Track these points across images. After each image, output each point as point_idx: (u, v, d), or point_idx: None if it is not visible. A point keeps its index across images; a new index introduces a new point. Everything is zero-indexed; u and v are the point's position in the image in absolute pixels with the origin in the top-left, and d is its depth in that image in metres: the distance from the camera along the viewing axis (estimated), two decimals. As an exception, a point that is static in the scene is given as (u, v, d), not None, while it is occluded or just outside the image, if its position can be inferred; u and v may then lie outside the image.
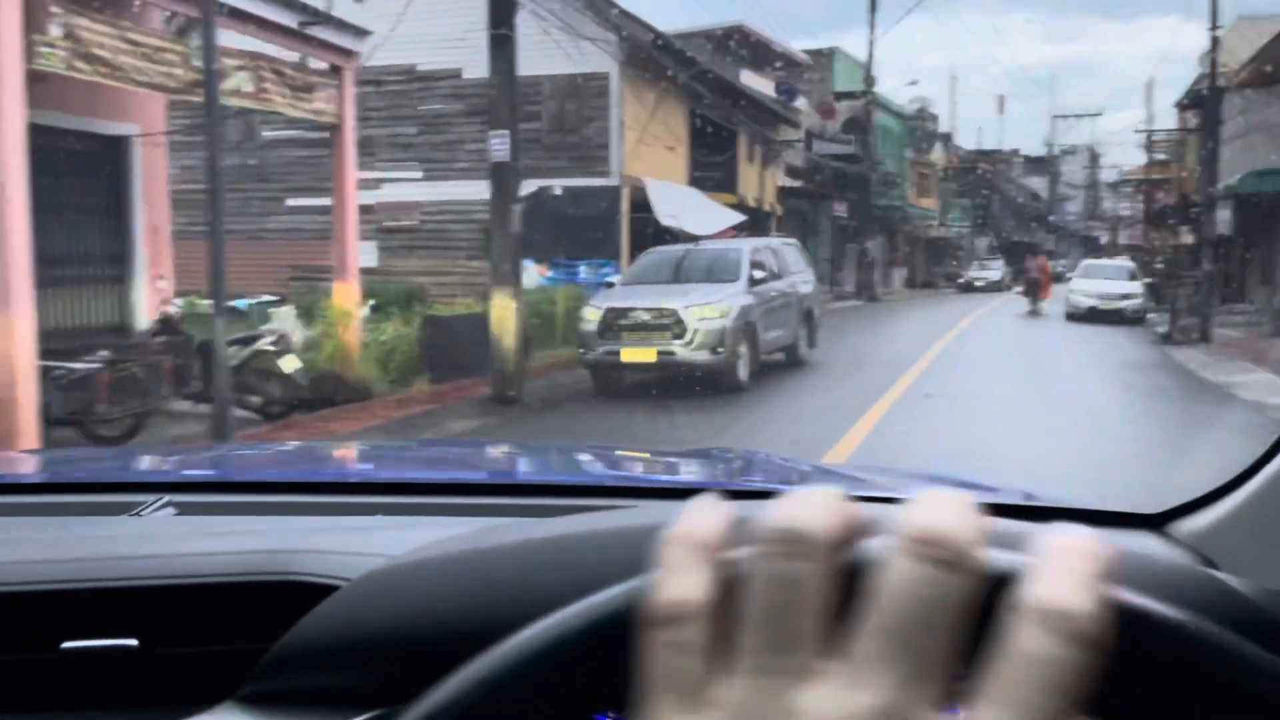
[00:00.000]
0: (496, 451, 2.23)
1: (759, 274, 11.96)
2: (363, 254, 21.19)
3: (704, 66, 20.24)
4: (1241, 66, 20.32)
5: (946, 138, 54.64)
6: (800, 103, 32.69)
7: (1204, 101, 26.40)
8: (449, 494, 1.40)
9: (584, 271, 18.45)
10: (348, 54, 10.48)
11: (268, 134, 21.22)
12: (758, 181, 24.81)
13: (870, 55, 35.35)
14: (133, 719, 0.90)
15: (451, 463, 2.02)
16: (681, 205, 19.35)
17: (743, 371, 11.13)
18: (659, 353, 10.72)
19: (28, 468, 2.05)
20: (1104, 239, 73.86)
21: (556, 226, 18.82)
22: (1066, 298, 24.58)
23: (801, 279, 13.94)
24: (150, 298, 10.13)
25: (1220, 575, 0.74)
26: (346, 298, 10.67)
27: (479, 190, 19.06)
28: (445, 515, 1.22)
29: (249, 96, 9.07)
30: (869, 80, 36.24)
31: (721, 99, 21.89)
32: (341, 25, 10.28)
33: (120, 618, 0.90)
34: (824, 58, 38.14)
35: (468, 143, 18.98)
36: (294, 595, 0.85)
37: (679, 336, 10.74)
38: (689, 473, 1.90)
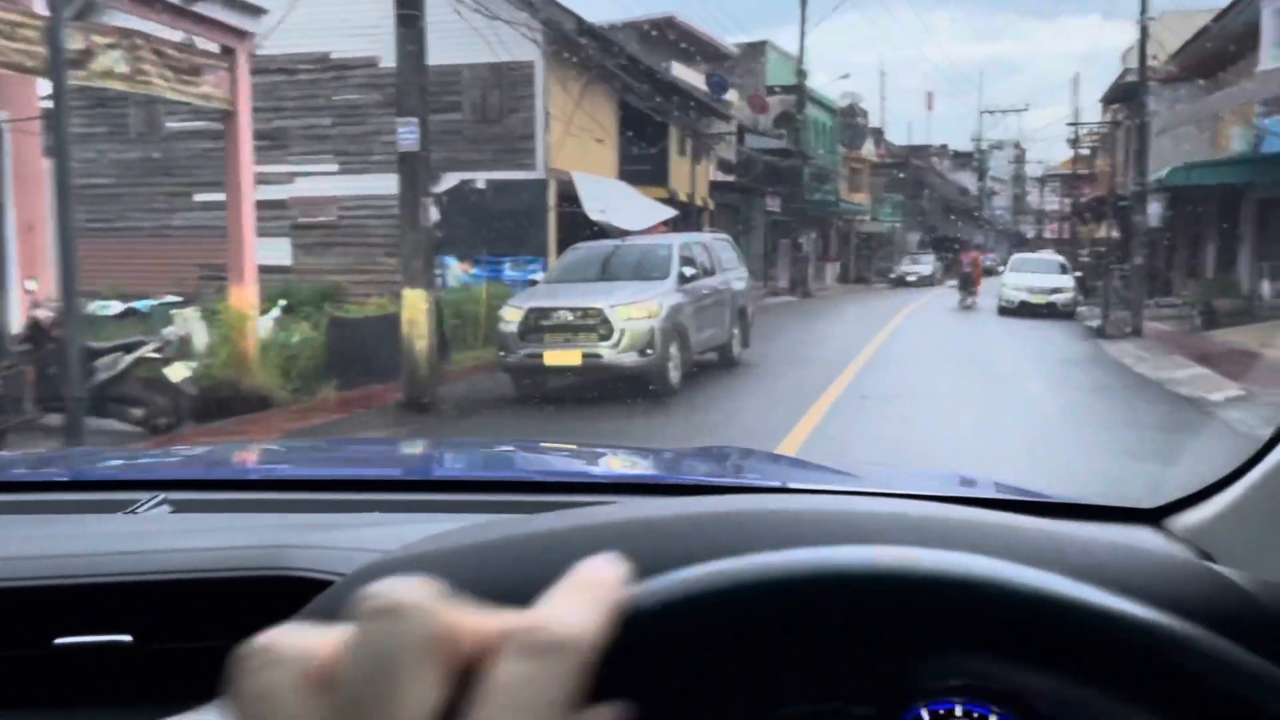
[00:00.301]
0: (493, 448, 2.20)
1: (689, 271, 11.37)
2: (276, 252, 20.20)
3: (632, 56, 19.61)
4: (1169, 58, 20.34)
5: (878, 133, 54.84)
6: (731, 96, 32.28)
7: (1130, 95, 26.58)
8: (446, 490, 1.40)
9: (509, 268, 17.73)
10: (241, 34, 9.62)
11: (173, 125, 20.06)
12: (689, 176, 24.27)
13: (801, 49, 35.07)
14: (125, 715, 0.87)
15: (448, 459, 2.01)
16: (610, 199, 18.71)
17: (673, 374, 10.53)
18: (584, 355, 10.07)
19: (23, 466, 1.97)
20: (1030, 233, 75.14)
21: (480, 221, 18.04)
22: (999, 292, 24.54)
23: (734, 275, 13.40)
24: (20, 301, 9.17)
25: (1217, 568, 0.75)
26: (243, 299, 9.82)
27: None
28: (441, 511, 1.22)
29: (123, 78, 8.19)
30: (801, 74, 35.99)
31: (651, 91, 21.30)
32: (232, 2, 9.41)
33: (114, 614, 0.90)
34: (755, 51, 37.84)
35: (385, 134, 18.05)
36: (288, 591, 0.85)
37: (605, 338, 10.10)
38: (684, 470, 1.85)
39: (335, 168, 19.47)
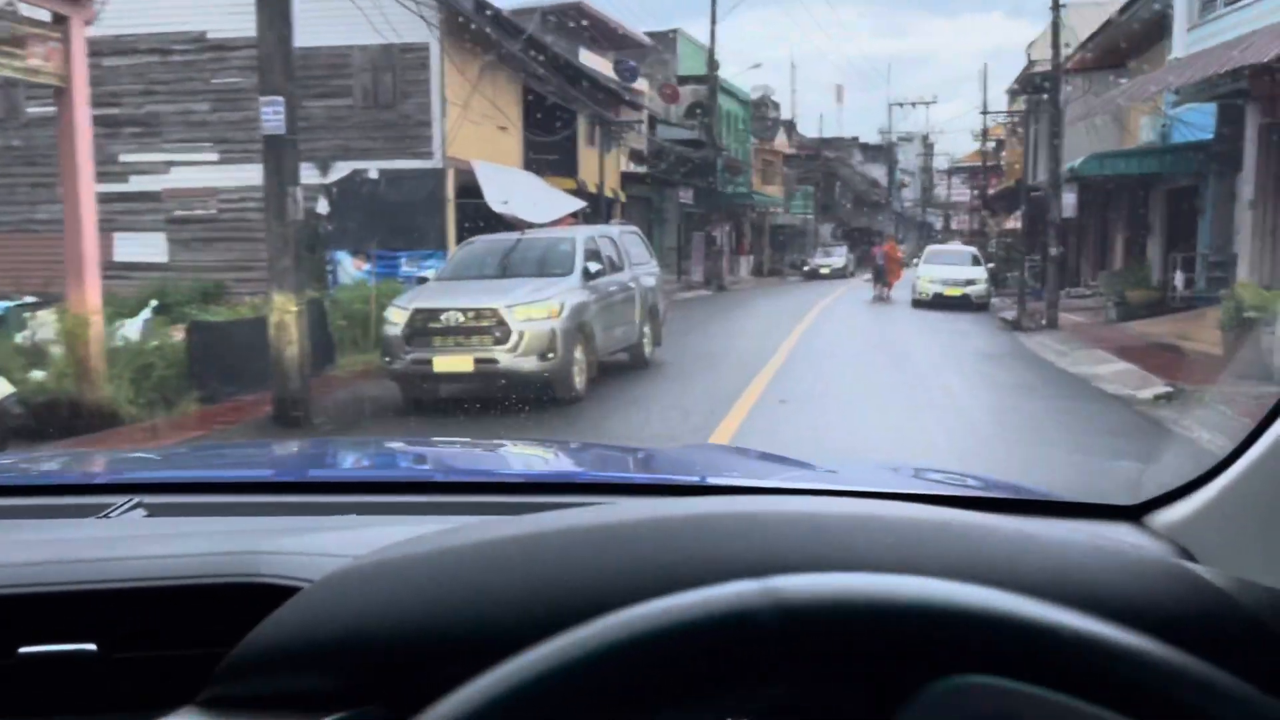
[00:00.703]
0: (470, 449, 2.15)
1: (595, 266, 10.49)
2: (149, 248, 18.70)
3: (537, 41, 18.61)
4: (1080, 48, 20.18)
5: (789, 125, 54.71)
6: (643, 85, 31.49)
7: (1038, 86, 26.58)
8: (423, 492, 1.40)
9: (405, 264, 16.59)
10: (74, 1, 8.39)
11: (34, 110, 18.36)
12: (599, 166, 23.35)
13: (712, 38, 34.46)
14: None
15: (428, 460, 1.99)
16: (515, 190, 17.72)
17: (578, 379, 9.65)
18: (477, 361, 9.11)
19: None
20: (939, 225, 76.24)
21: (374, 214, 16.87)
22: (913, 284, 24.27)
23: (644, 270, 12.57)
24: None
25: (1195, 567, 0.76)
26: (83, 301, 8.61)
27: (285, 174, 16.99)
28: (414, 514, 1.22)
29: (-80, 45, 6.94)
30: (712, 64, 35.37)
31: (558, 77, 20.33)
32: (64, -38, 8.20)
33: (79, 622, 0.89)
34: (666, 40, 37.10)
35: (270, 120, 16.78)
36: (257, 597, 0.84)
37: (501, 341, 9.15)
38: (660, 470, 1.81)
39: (215, 156, 18.04)
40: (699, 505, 0.75)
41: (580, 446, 2.28)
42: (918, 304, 23.28)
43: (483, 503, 1.30)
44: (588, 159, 23.84)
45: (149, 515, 1.23)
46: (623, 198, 26.97)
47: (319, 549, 0.94)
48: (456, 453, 2.10)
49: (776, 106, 53.99)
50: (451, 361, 9.13)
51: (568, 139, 22.82)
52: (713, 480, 1.64)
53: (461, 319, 9.23)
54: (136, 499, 1.26)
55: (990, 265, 25.02)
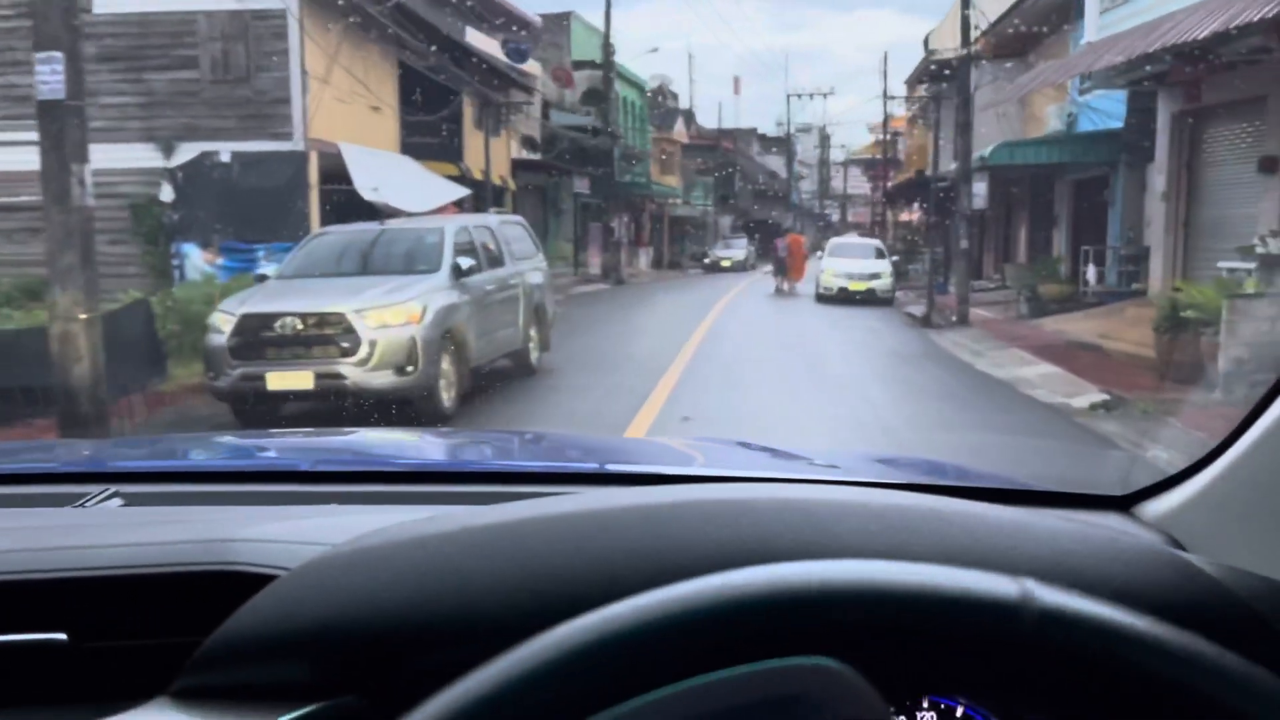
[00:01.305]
0: (452, 439, 2.17)
1: (468, 262, 9.02)
2: (-38, 239, 16.41)
3: (414, 14, 16.92)
4: (985, 31, 19.47)
5: (688, 115, 53.75)
6: (535, 69, 29.92)
7: (939, 75, 26.01)
8: (404, 482, 1.37)
9: (265, 258, 14.77)
10: None
11: None
12: (488, 152, 21.72)
13: (608, 21, 33.08)
14: (61, 716, 0.84)
15: (408, 450, 1.96)
16: (389, 176, 16.04)
17: (446, 395, 8.19)
18: (319, 376, 7.56)
19: None
20: (835, 217, 76.56)
21: (227, 201, 14.98)
22: (817, 278, 23.39)
23: (530, 265, 11.15)
24: None
25: (1185, 555, 0.76)
26: None
27: (124, 156, 14.91)
28: (395, 504, 1.20)
29: None
30: (608, 48, 34.00)
31: (441, 55, 18.66)
32: None
33: (49, 611, 0.87)
34: (560, 23, 35.55)
35: (105, 95, 14.71)
36: (232, 585, 0.83)
37: (349, 352, 7.63)
38: (639, 459, 1.78)
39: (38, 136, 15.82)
40: (686, 492, 0.76)
41: (565, 436, 2.30)
42: (822, 299, 22.39)
43: (465, 492, 1.28)
44: (475, 144, 22.18)
45: (126, 504, 1.21)
46: (512, 186, 25.36)
47: (295, 536, 0.91)
48: (439, 443, 2.08)
49: (675, 96, 52.99)
50: (288, 378, 7.56)
51: (452, 122, 21.15)
52: (698, 470, 1.61)
53: (300, 326, 7.66)
54: (113, 488, 1.24)
55: (895, 258, 24.32)
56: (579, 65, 35.70)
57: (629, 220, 40.99)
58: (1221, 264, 13.23)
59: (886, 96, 39.90)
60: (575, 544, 0.50)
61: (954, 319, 17.08)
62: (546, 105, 32.62)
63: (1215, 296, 9.11)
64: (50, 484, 1.33)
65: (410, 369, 7.74)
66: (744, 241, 46.52)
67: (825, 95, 70.17)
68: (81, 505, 1.19)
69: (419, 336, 7.81)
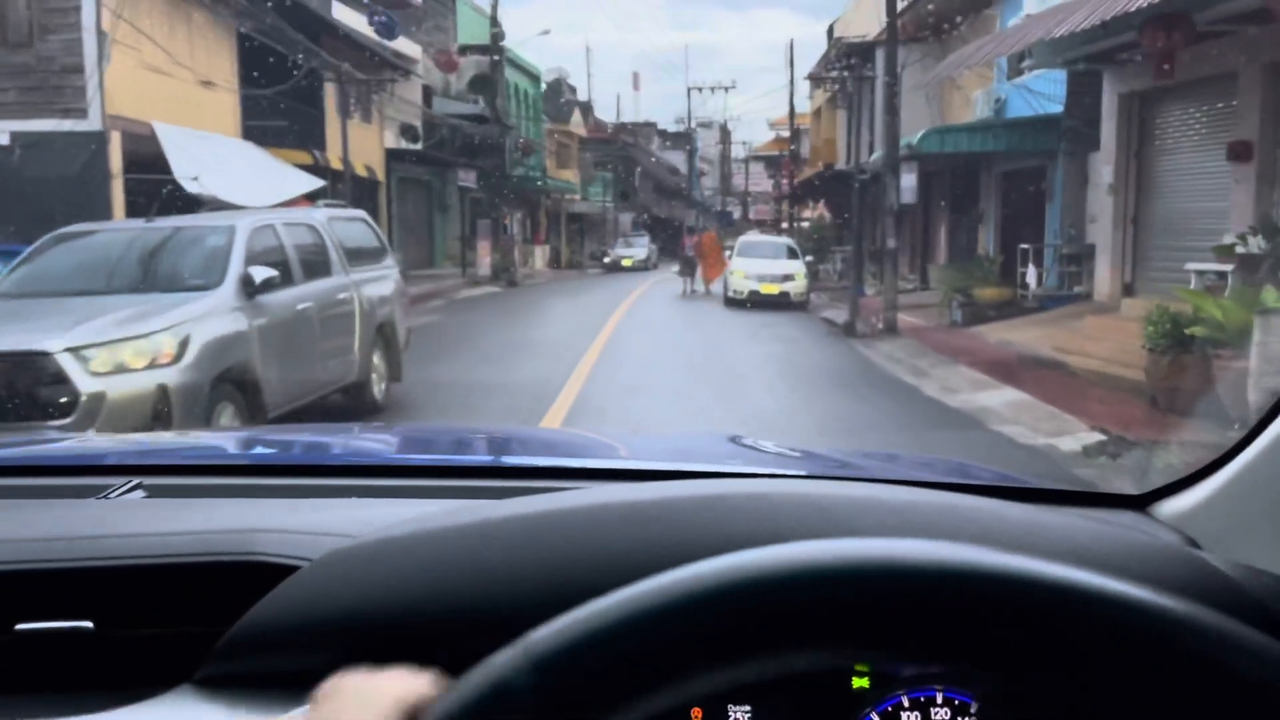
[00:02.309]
0: (474, 435, 2.13)
1: (264, 273, 6.52)
2: None
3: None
4: (905, 9, 17.66)
5: (585, 107, 51.47)
6: (415, 52, 27.23)
7: (850, 66, 24.30)
8: (425, 476, 1.38)
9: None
10: None
11: None
12: (346, 137, 18.93)
13: (495, 3, 30.55)
14: (87, 702, 0.85)
15: (430, 445, 1.97)
16: (221, 163, 13.34)
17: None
18: (10, 451, 5.04)
19: None
20: (736, 214, 75.31)
21: (7, 192, 12.07)
22: (726, 280, 21.36)
23: (373, 273, 8.72)
24: None
25: (1201, 554, 0.77)
26: None
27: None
28: (413, 497, 1.18)
29: None
30: (496, 30, 31.45)
31: (294, 27, 15.95)
32: None
33: (77, 599, 0.88)
34: (445, 4, 32.84)
35: None
36: (256, 576, 0.84)
37: (62, 411, 5.12)
38: (655, 456, 1.76)
39: None
40: (706, 486, 0.78)
41: (581, 434, 2.40)
42: (731, 303, 20.36)
43: (483, 487, 1.27)
44: (339, 131, 19.46)
45: (148, 496, 1.21)
46: (381, 177, 22.56)
47: (318, 528, 0.91)
48: (457, 439, 2.06)
49: (573, 90, 50.69)
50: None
51: (310, 105, 18.43)
52: (713, 466, 1.56)
53: (-16, 373, 5.11)
54: (136, 480, 1.24)
55: (809, 258, 22.46)
56: (466, 50, 33.09)
57: (524, 217, 38.52)
58: (1190, 265, 11.56)
59: (792, 85, 38.24)
60: (592, 536, 0.47)
61: (880, 326, 15.19)
62: (429, 92, 29.94)
63: (1237, 310, 7.24)
64: (74, 476, 1.32)
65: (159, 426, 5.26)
66: (646, 239, 44.36)
67: (727, 89, 68.91)
68: (105, 497, 1.18)
69: (173, 383, 5.34)
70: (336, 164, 18.24)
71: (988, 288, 14.84)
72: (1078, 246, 14.98)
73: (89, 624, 0.86)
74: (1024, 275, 15.05)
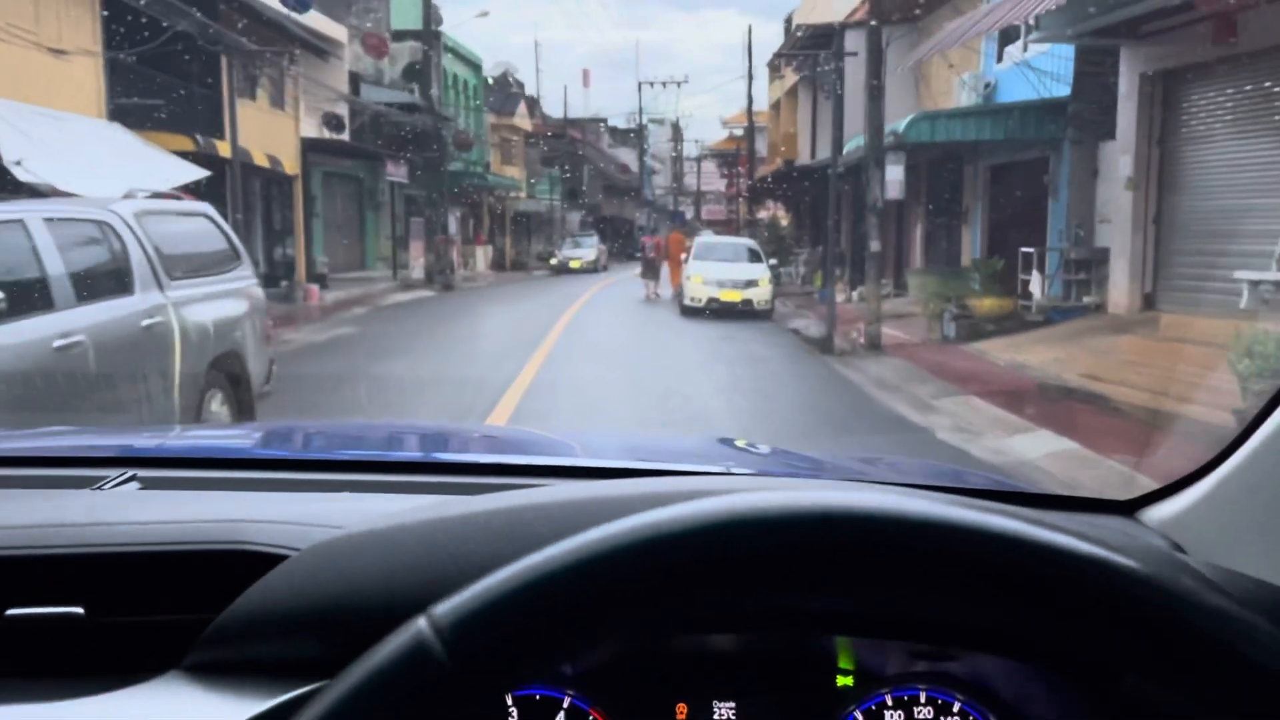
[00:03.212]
0: (457, 434, 2.19)
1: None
2: None
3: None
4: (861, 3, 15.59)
5: (532, 101, 49.07)
6: (341, 35, 24.76)
7: (818, 48, 22.31)
8: (411, 472, 1.39)
9: None
10: None
11: None
12: (234, 121, 16.37)
13: (431, -17, 28.13)
14: (77, 687, 0.85)
15: (424, 441, 2.02)
16: (64, 146, 10.89)
17: None
18: None
19: None
20: (689, 214, 73.34)
21: None
22: (683, 285, 19.22)
23: (211, 287, 6.44)
24: None
25: (1186, 559, 0.77)
26: None
27: None
28: (404, 492, 1.22)
29: None
30: (433, 16, 29.04)
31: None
32: None
33: (67, 586, 0.89)
34: (375, -15, 30.31)
35: None
36: (244, 564, 0.84)
37: None
38: (638, 455, 1.73)
39: None
40: (694, 484, 0.79)
41: (583, 432, 2.43)
42: (689, 311, 18.23)
43: (467, 483, 1.28)
44: (250, 117, 16.97)
45: (143, 488, 1.21)
46: (288, 169, 19.97)
47: (308, 518, 0.93)
48: (444, 437, 2.10)
49: (520, 85, 48.31)
50: None
51: (202, 85, 15.93)
52: (704, 467, 1.59)
53: None
54: (131, 472, 1.25)
55: (773, 261, 20.39)
56: (400, 36, 30.60)
57: (465, 215, 36.10)
58: (1241, 274, 9.62)
59: (751, 74, 36.22)
60: (577, 527, 0.51)
61: (861, 342, 13.15)
62: (357, 79, 27.45)
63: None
64: (69, 467, 1.32)
65: None
66: (595, 240, 42.04)
67: (679, 84, 66.83)
68: (99, 488, 1.19)
69: None
70: (257, 158, 15.75)
71: (985, 297, 12.84)
72: (1086, 250, 13.05)
73: (80, 610, 0.86)
74: (1027, 283, 13.08)
